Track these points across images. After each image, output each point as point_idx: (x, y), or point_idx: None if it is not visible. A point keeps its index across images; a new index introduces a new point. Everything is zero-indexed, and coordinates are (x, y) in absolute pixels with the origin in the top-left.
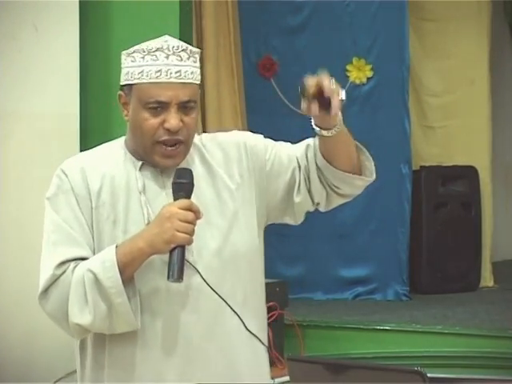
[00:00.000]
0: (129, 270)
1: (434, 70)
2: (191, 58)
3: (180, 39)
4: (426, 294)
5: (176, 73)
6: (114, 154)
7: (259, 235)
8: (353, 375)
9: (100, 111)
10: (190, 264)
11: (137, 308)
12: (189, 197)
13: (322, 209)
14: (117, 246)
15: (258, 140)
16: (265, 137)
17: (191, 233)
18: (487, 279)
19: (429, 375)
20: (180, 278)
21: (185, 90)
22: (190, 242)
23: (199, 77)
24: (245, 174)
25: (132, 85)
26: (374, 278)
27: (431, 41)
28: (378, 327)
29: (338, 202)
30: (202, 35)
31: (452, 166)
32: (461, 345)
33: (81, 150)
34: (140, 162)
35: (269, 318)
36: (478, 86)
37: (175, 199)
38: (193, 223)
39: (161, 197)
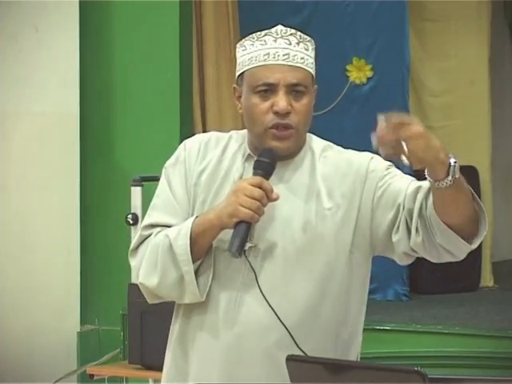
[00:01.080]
0: (201, 241)
1: (434, 70)
2: (301, 44)
3: (180, 39)
4: (426, 294)
5: (284, 55)
6: (232, 141)
7: (353, 260)
8: (353, 375)
9: (100, 111)
10: (249, 263)
11: (207, 282)
12: (267, 176)
13: (431, 259)
14: (197, 217)
15: (380, 165)
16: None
17: (256, 210)
18: (487, 279)
19: (429, 375)
20: (237, 252)
21: (294, 72)
22: (253, 219)
23: (312, 65)
24: (348, 196)
25: (243, 73)
26: (374, 277)
27: (431, 41)
28: (378, 327)
29: (445, 257)
30: (202, 35)
31: None
32: (461, 345)
33: (81, 150)
34: (247, 153)
35: None
36: (477, 85)
37: None
38: (260, 200)
39: None
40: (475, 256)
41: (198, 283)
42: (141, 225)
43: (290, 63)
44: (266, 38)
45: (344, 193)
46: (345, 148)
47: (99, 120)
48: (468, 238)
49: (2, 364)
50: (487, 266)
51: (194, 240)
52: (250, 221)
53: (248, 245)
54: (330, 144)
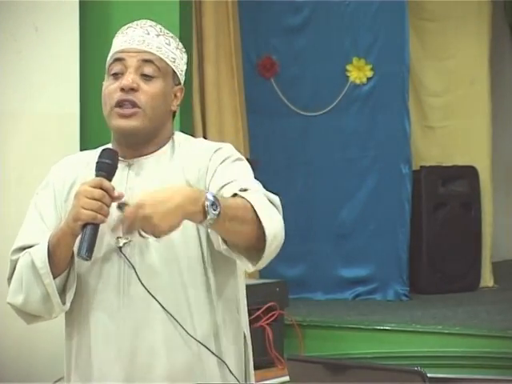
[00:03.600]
0: (59, 251)
1: (434, 70)
2: (161, 37)
3: (180, 39)
4: (426, 294)
5: (138, 41)
6: (97, 153)
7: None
8: (353, 375)
9: (100, 111)
10: (127, 259)
11: (72, 293)
12: (109, 177)
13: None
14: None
15: (220, 156)
16: (264, 138)
17: (97, 210)
18: (487, 279)
19: (429, 375)
20: (87, 256)
21: (144, 54)
22: (97, 219)
23: (173, 60)
24: (195, 183)
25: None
26: (374, 278)
27: (431, 41)
28: (378, 327)
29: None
30: (202, 35)
31: (452, 166)
32: (461, 345)
33: (81, 150)
34: None
35: (269, 318)
36: (477, 86)
37: None
38: (101, 200)
39: (120, 189)
40: (475, 256)
41: (65, 295)
42: (10, 250)
43: (144, 48)
44: (128, 30)
45: (193, 180)
46: (343, 148)
47: (99, 120)
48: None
49: (2, 364)
50: (487, 266)
51: (52, 252)
52: (94, 222)
53: (122, 241)
54: (188, 137)
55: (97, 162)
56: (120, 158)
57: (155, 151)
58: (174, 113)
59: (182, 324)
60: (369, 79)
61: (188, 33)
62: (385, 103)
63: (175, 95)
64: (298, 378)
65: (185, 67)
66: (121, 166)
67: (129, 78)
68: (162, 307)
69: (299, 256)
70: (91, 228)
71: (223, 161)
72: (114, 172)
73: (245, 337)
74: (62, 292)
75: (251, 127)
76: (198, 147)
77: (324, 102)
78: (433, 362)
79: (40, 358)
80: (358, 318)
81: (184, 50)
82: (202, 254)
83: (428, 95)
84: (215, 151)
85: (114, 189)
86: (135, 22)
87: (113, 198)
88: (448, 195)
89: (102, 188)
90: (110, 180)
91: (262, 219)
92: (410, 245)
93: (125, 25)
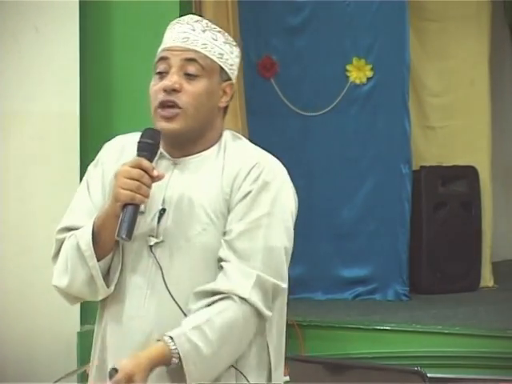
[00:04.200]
0: (104, 234)
1: (434, 70)
2: (208, 32)
3: None
4: (426, 294)
5: (183, 38)
6: None
7: None
8: (353, 375)
9: (100, 111)
10: (156, 259)
11: (115, 276)
12: (151, 157)
13: None
14: None
15: (248, 185)
16: (264, 138)
17: (136, 190)
18: (487, 279)
19: (429, 375)
20: (126, 236)
21: (189, 53)
22: (136, 199)
23: (220, 56)
24: (229, 193)
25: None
26: (374, 277)
27: (431, 41)
28: (378, 327)
29: None
30: None
31: (452, 166)
32: (461, 345)
33: (81, 150)
34: (159, 152)
35: None
36: (477, 86)
37: None
38: (140, 180)
39: (162, 187)
40: (475, 256)
41: (109, 278)
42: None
43: (188, 46)
44: (176, 25)
45: (227, 188)
46: (343, 148)
47: (99, 120)
48: None
49: (2, 364)
50: (487, 266)
51: (97, 234)
52: (133, 202)
53: (154, 240)
54: (235, 137)
55: (138, 142)
56: (168, 155)
57: (203, 151)
58: (226, 109)
59: None
60: (369, 79)
61: None
62: (385, 103)
63: (224, 91)
64: (298, 377)
65: (236, 60)
66: (166, 164)
67: (171, 79)
68: (183, 313)
69: (299, 256)
70: (131, 209)
71: (248, 196)
72: (156, 151)
73: (267, 346)
74: (107, 275)
75: (251, 127)
76: (242, 153)
77: (324, 102)
78: (433, 362)
79: (40, 358)
80: (358, 318)
81: (234, 43)
82: None
83: (428, 95)
84: (253, 167)
85: (153, 168)
86: (182, 18)
87: (153, 178)
88: (448, 195)
89: (141, 168)
90: (151, 160)
91: (185, 369)
92: (410, 245)
93: (125, 25)
